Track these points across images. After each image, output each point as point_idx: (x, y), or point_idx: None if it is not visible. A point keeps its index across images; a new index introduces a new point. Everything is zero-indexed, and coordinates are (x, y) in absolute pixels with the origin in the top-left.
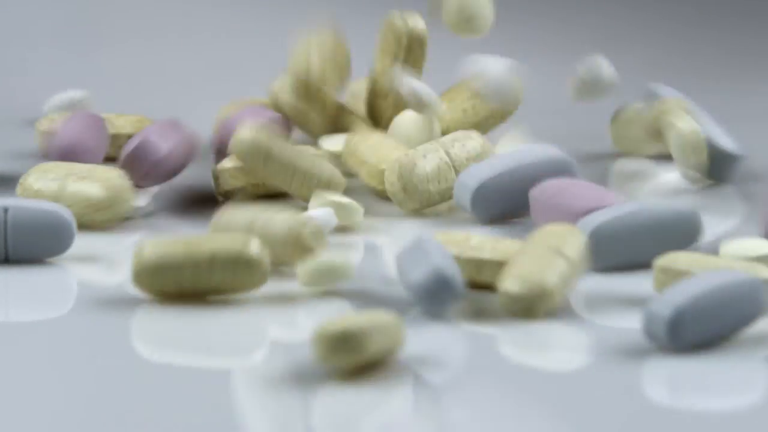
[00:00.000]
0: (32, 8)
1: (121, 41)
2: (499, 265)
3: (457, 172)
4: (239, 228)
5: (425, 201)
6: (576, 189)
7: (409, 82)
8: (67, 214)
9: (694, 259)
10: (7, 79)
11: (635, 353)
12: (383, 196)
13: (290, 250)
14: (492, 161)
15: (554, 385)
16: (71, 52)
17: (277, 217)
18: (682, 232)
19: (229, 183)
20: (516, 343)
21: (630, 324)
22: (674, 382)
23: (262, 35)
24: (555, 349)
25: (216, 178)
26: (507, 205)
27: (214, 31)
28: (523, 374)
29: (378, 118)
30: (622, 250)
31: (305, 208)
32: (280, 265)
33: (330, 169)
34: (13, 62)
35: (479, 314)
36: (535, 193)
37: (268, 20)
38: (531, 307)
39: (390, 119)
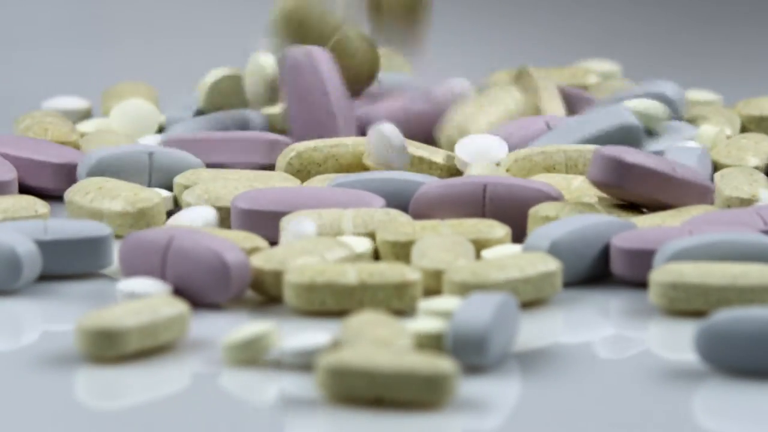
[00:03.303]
0: (32, 8)
1: (121, 42)
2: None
3: None
4: None
5: None
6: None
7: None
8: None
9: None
10: (6, 79)
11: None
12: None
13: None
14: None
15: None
16: (71, 53)
17: None
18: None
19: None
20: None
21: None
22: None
23: (261, 34)
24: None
25: None
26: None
27: (215, 31)
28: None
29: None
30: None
31: None
32: None
33: None
34: (12, 62)
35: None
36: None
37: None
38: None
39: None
